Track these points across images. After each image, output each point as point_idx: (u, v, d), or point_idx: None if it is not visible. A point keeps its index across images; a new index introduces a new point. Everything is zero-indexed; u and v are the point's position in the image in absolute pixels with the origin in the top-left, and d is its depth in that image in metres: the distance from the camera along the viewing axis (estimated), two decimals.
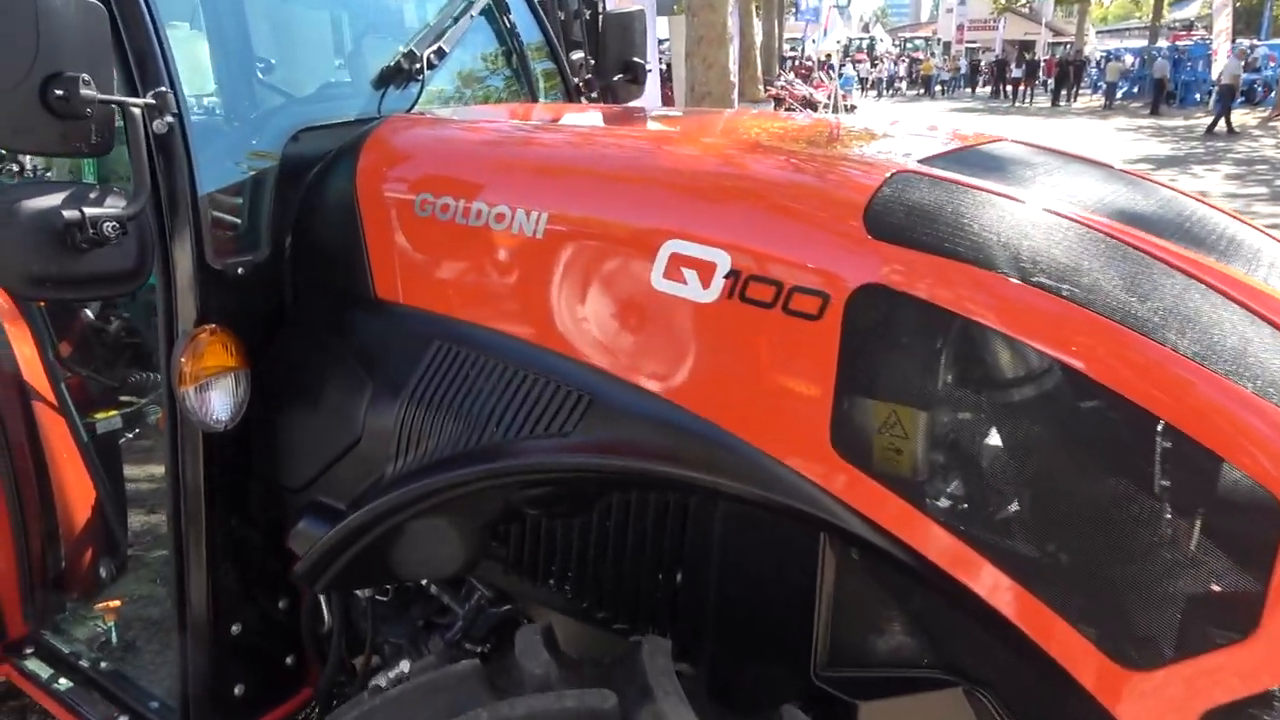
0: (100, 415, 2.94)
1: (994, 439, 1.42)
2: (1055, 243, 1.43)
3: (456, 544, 1.99)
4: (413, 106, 2.47)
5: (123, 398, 3.10)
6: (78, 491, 2.81)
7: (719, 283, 1.55)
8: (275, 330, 2.23)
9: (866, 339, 1.43)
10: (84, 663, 2.59)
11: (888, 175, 1.53)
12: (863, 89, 45.83)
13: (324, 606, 2.33)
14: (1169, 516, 1.28)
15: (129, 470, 3.04)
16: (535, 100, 2.94)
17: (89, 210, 1.78)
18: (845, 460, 1.45)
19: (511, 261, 1.84)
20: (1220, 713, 1.27)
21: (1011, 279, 1.35)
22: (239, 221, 2.20)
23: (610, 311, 1.71)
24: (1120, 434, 1.30)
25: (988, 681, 1.50)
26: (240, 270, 2.11)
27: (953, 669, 1.54)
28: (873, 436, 1.44)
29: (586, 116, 2.49)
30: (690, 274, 1.58)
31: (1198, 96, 32.69)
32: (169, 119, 1.96)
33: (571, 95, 3.01)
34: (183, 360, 1.94)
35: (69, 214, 1.75)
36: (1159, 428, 1.25)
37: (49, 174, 3.56)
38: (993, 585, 1.38)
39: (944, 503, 1.43)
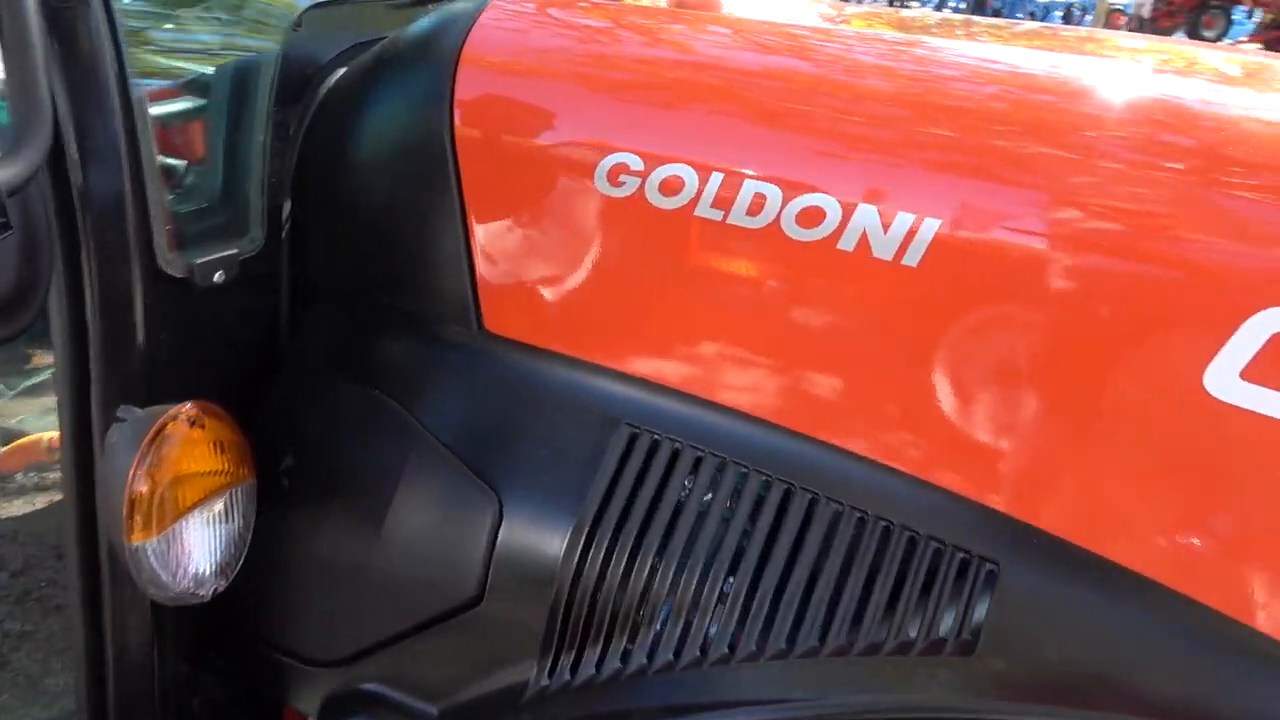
0: None
1: None
2: None
3: None
4: None
5: None
6: None
7: None
8: (268, 377, 1.26)
9: None
10: None
11: None
12: None
13: None
14: None
15: None
16: None
17: None
18: None
19: (831, 300, 0.96)
20: None
21: None
22: (205, 183, 1.18)
23: (1075, 432, 0.89)
24: None
25: None
26: (219, 276, 1.12)
27: None
28: None
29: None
30: None
31: (1020, 15, 33.63)
32: None
33: None
34: (136, 480, 0.96)
35: None
36: None
37: None
38: None
39: None
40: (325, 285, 1.28)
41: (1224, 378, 0.81)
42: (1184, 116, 1.00)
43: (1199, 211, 0.84)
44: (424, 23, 1.21)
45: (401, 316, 1.21)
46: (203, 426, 0.99)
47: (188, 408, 0.99)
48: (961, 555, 0.93)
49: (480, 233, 1.12)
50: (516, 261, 1.12)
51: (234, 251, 1.14)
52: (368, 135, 1.21)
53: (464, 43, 1.12)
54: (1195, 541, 0.85)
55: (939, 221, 0.89)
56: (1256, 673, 0.83)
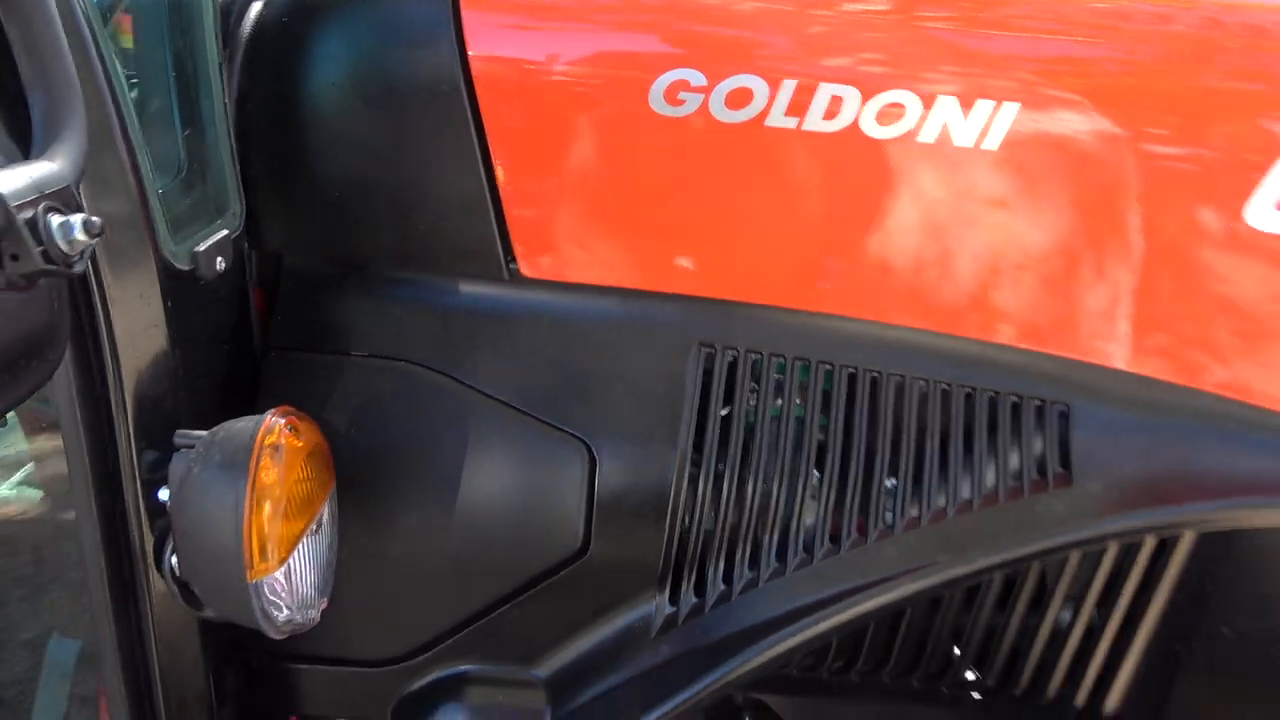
0: None
1: None
2: None
3: None
4: None
5: None
6: None
7: None
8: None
9: None
10: None
11: None
12: None
13: None
14: None
15: None
16: None
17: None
18: None
19: (921, 193, 1.01)
20: None
21: None
22: (165, 150, 0.98)
23: (1133, 270, 1.02)
24: None
25: None
26: (220, 263, 0.95)
27: None
28: None
29: None
30: None
31: None
32: None
33: None
34: (252, 508, 0.81)
35: None
36: None
37: None
38: None
39: None
40: (297, 256, 1.12)
41: (1262, 210, 0.97)
42: None
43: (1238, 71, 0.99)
44: None
45: (413, 277, 1.09)
46: (301, 437, 0.86)
47: (275, 418, 0.85)
48: (1036, 404, 1.05)
49: (508, 173, 1.04)
50: (556, 199, 1.05)
51: (225, 233, 0.97)
52: (337, 73, 1.05)
53: None
54: (1234, 350, 1.02)
55: (1016, 105, 0.96)
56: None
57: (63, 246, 0.61)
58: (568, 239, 1.07)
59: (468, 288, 1.08)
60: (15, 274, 0.59)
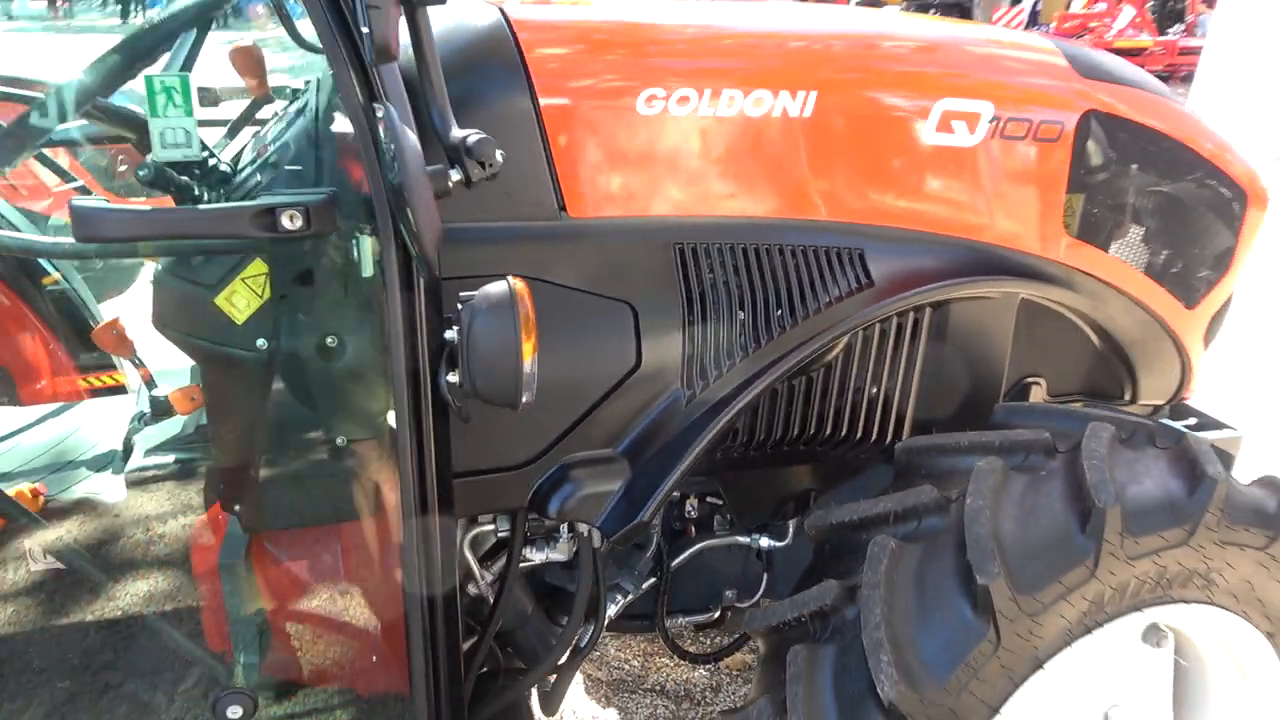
0: None
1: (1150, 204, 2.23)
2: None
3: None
4: None
5: None
6: None
7: (984, 127, 2.00)
8: None
9: (1086, 149, 2.10)
10: None
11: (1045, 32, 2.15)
12: None
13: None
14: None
15: None
16: None
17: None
18: (1072, 235, 2.12)
19: (776, 144, 1.90)
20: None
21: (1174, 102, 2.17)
22: None
23: (880, 171, 1.99)
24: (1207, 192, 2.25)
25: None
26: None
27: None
28: (1090, 215, 2.13)
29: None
30: (959, 124, 1.99)
31: None
32: None
33: None
34: (525, 325, 1.50)
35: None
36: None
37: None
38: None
39: (1120, 246, 2.21)
40: None
41: (931, 134, 1.97)
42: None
43: (910, 69, 2.00)
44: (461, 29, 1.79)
45: (505, 225, 1.79)
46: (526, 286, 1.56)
47: (512, 279, 1.54)
48: (846, 251, 1.99)
49: (559, 158, 1.79)
50: (587, 171, 1.82)
51: None
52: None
53: (517, 29, 1.76)
54: (935, 208, 2.02)
55: (816, 92, 1.90)
56: (961, 256, 2.04)
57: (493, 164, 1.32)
58: (595, 192, 1.84)
59: (539, 225, 1.81)
60: (482, 175, 1.29)
